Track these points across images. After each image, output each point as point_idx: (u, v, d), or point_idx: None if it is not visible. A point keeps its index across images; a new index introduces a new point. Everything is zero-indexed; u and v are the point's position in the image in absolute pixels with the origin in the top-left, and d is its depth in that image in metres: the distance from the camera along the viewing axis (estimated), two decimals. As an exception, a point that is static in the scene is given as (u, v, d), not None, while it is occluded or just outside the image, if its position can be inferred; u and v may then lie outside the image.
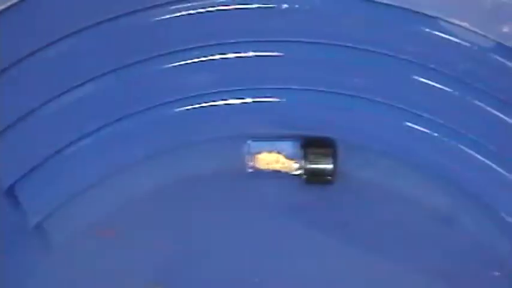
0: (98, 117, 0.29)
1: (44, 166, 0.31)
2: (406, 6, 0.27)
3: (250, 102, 0.31)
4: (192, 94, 0.30)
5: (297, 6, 0.27)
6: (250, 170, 0.30)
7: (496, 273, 0.29)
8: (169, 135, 0.31)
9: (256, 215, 0.31)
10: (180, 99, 0.30)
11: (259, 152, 0.30)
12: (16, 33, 0.27)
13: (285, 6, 0.27)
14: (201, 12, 0.26)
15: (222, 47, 0.28)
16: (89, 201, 0.33)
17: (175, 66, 0.28)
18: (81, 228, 0.33)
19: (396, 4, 0.29)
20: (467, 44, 0.25)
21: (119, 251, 0.31)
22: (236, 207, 0.32)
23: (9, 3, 0.28)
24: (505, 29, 0.25)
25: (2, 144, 0.30)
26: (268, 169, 0.29)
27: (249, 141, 0.30)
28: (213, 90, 0.30)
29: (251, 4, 0.26)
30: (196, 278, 0.32)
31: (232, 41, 0.27)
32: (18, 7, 0.27)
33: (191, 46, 0.27)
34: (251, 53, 0.28)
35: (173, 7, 0.26)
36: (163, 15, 0.26)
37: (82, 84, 0.28)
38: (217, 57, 0.28)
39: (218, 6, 0.27)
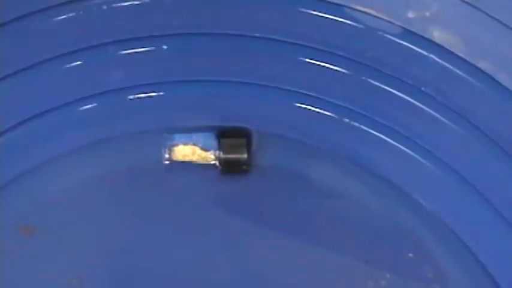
0: (9, 116, 0.29)
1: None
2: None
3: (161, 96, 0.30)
4: (104, 90, 0.29)
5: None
6: (167, 163, 0.30)
7: (411, 255, 0.30)
8: (83, 132, 0.30)
9: (174, 207, 0.30)
10: (91, 95, 0.28)
11: (175, 145, 0.30)
12: None
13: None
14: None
15: (128, 43, 0.28)
16: (6, 200, 0.32)
17: (79, 64, 0.28)
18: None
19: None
20: (373, 30, 0.26)
21: (39, 248, 0.31)
22: (155, 200, 0.31)
23: None
24: (411, 15, 0.26)
25: None
26: (185, 161, 0.30)
27: (165, 134, 0.30)
28: (126, 85, 0.28)
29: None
30: (119, 274, 0.32)
31: (138, 35, 0.27)
32: None
33: (94, 44, 0.27)
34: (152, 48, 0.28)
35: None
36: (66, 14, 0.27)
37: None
38: (124, 52, 0.27)
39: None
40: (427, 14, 0.28)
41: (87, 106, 0.30)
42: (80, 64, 0.29)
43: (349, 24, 0.27)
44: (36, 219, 0.33)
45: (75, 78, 0.30)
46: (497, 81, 0.28)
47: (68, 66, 0.29)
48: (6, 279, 0.32)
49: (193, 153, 0.32)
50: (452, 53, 0.27)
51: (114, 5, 0.27)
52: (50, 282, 0.31)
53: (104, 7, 0.27)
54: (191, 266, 0.32)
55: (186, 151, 0.31)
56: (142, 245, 0.32)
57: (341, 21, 0.27)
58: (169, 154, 0.31)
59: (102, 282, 0.32)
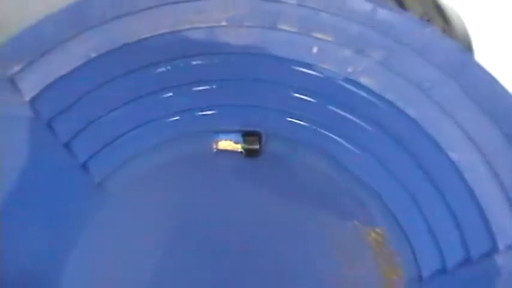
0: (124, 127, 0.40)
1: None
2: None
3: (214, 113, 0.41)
4: (182, 109, 0.41)
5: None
6: (215, 151, 0.40)
7: (356, 223, 0.39)
8: (165, 132, 0.40)
9: (219, 178, 0.41)
10: (175, 112, 0.40)
11: (219, 140, 0.41)
12: None
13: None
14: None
15: (195, 84, 0.40)
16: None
17: (170, 96, 0.40)
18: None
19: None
20: (330, 78, 0.38)
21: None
22: (207, 175, 0.41)
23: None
24: (349, 69, 0.37)
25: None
26: (225, 149, 0.41)
27: (214, 134, 0.41)
28: (194, 107, 0.40)
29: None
30: (187, 232, 0.39)
31: (202, 79, 0.40)
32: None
33: (177, 84, 0.39)
34: (208, 87, 0.40)
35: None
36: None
37: None
38: (194, 89, 0.40)
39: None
40: (359, 69, 0.38)
41: (171, 118, 0.40)
42: (170, 95, 0.39)
43: (315, 75, 0.38)
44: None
45: (167, 104, 0.40)
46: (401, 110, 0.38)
47: (162, 96, 0.39)
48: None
49: (230, 145, 0.41)
50: (372, 91, 0.38)
51: (194, 62, 0.38)
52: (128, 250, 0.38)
53: (181, 64, 0.38)
54: (227, 216, 0.39)
55: (225, 144, 0.41)
56: (199, 207, 0.40)
57: (311, 74, 0.38)
58: (216, 145, 0.42)
59: (175, 245, 0.39)
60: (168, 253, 0.38)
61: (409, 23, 0.37)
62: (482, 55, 0.46)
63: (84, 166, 0.39)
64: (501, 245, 0.35)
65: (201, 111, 0.41)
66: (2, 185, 0.36)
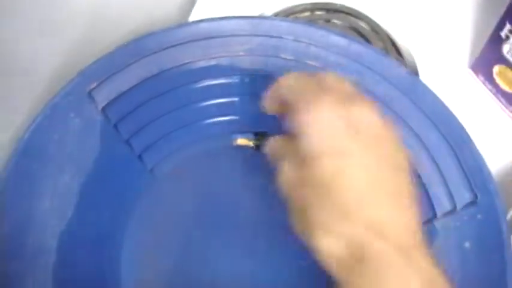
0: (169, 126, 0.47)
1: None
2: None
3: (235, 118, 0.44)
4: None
5: None
6: (234, 145, 0.45)
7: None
8: (202, 133, 0.44)
9: (238, 165, 0.44)
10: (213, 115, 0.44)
11: (238, 138, 0.44)
12: None
13: None
14: None
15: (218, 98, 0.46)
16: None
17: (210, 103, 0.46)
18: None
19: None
20: None
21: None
22: (229, 164, 0.44)
23: None
24: None
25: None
26: (241, 145, 0.44)
27: (234, 134, 0.45)
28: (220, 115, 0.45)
29: None
30: (214, 214, 0.42)
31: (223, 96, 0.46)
32: None
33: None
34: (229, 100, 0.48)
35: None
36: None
37: None
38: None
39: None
40: None
41: (204, 122, 0.44)
42: (203, 105, 0.43)
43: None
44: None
45: (201, 111, 0.44)
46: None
47: (198, 106, 0.43)
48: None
49: (244, 142, 0.45)
50: None
51: (220, 81, 0.44)
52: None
53: (211, 82, 0.44)
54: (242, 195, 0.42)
55: (242, 141, 0.45)
56: (222, 186, 0.43)
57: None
58: (235, 142, 0.45)
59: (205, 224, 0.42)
60: (198, 221, 0.43)
61: (374, 54, 0.43)
62: (425, 77, 0.52)
63: (140, 157, 0.44)
64: (439, 213, 0.40)
65: (225, 117, 0.45)
66: (82, 171, 0.42)
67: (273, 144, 0.34)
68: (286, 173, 0.31)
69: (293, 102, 0.31)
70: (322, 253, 0.28)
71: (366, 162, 0.28)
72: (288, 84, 0.33)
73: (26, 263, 0.38)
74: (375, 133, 0.29)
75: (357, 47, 0.43)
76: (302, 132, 0.29)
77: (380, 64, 0.43)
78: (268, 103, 0.35)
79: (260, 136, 0.45)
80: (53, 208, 0.40)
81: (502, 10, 0.45)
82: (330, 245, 0.28)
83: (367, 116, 0.30)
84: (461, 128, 0.41)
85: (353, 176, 0.28)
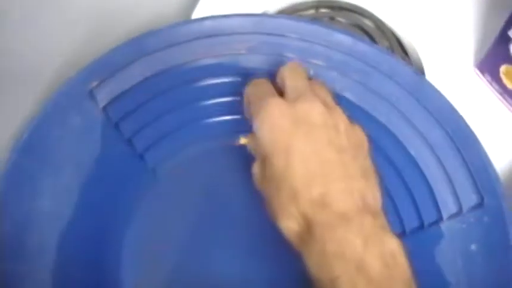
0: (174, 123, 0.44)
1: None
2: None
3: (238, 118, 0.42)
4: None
5: None
6: (237, 145, 0.44)
7: None
8: (208, 133, 0.43)
9: (242, 161, 0.40)
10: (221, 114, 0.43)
11: (240, 138, 0.43)
12: None
13: None
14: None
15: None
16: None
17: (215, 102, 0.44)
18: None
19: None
20: None
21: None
22: (233, 161, 0.43)
23: None
24: None
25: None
26: (243, 144, 0.42)
27: (238, 134, 0.44)
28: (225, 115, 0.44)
29: None
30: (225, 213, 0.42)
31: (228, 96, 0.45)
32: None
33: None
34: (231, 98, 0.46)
35: None
36: None
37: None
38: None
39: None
40: (343, 86, 0.42)
41: (207, 121, 0.43)
42: (206, 104, 0.43)
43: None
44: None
45: (204, 110, 0.43)
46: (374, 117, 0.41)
47: (200, 105, 0.43)
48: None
49: (245, 141, 0.42)
50: (352, 102, 0.43)
51: (223, 80, 0.43)
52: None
53: (214, 81, 0.43)
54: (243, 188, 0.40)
55: (245, 140, 0.43)
56: (225, 182, 0.42)
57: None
58: (238, 141, 0.44)
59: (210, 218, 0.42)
60: (200, 220, 0.42)
61: (380, 53, 0.43)
62: (431, 75, 0.51)
63: (141, 156, 0.44)
64: (444, 215, 0.40)
65: (228, 116, 0.45)
66: (82, 171, 0.41)
67: (250, 145, 0.39)
68: (256, 170, 0.36)
69: (251, 108, 0.36)
70: (285, 233, 0.33)
71: (309, 151, 0.32)
72: (249, 91, 0.38)
73: (25, 263, 0.38)
74: (318, 123, 0.33)
75: (362, 46, 0.43)
76: (257, 135, 0.35)
77: (386, 63, 0.42)
78: (244, 110, 0.39)
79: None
80: (53, 208, 0.40)
81: (510, 9, 0.44)
82: (288, 224, 0.32)
83: (310, 108, 0.34)
84: (468, 129, 0.40)
85: (299, 166, 0.32)
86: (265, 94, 0.36)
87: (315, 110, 0.34)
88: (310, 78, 0.39)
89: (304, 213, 0.32)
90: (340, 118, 0.35)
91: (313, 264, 0.31)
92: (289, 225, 0.32)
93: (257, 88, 0.38)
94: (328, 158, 0.33)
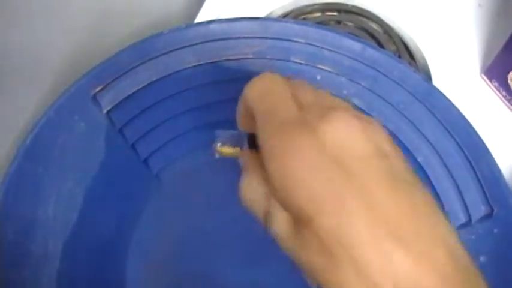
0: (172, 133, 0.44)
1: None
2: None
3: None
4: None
5: None
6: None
7: None
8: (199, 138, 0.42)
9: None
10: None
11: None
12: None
13: None
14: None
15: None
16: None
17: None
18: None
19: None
20: None
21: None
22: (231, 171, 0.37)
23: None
24: None
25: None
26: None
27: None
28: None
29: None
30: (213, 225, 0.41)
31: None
32: None
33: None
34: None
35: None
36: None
37: None
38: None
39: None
40: (351, 92, 0.41)
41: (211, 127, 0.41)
42: (210, 110, 0.42)
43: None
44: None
45: (207, 116, 0.42)
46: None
47: (204, 111, 0.42)
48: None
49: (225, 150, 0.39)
50: (361, 109, 0.42)
51: (228, 85, 0.41)
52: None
53: (219, 86, 0.42)
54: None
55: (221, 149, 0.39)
56: (223, 190, 0.38)
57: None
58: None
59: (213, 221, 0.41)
60: (205, 226, 0.42)
61: (389, 59, 0.41)
62: (438, 80, 0.51)
63: (145, 161, 0.43)
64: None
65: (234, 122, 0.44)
66: (86, 176, 0.40)
67: (245, 157, 0.31)
68: (281, 227, 0.26)
69: (257, 121, 0.27)
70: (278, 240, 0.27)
71: (363, 204, 0.23)
72: (250, 94, 0.28)
73: (30, 270, 0.37)
74: (365, 155, 0.24)
75: (371, 52, 0.42)
76: (263, 155, 0.25)
77: (395, 70, 0.41)
78: (238, 118, 0.31)
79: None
80: (57, 214, 0.39)
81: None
82: (280, 228, 0.26)
83: (346, 133, 0.24)
84: (478, 138, 0.39)
85: (363, 230, 0.22)
86: (280, 104, 0.26)
87: (353, 135, 0.24)
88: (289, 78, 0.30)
89: (296, 215, 0.24)
90: (380, 132, 0.25)
91: None
92: (281, 228, 0.25)
93: (265, 90, 0.27)
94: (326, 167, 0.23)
